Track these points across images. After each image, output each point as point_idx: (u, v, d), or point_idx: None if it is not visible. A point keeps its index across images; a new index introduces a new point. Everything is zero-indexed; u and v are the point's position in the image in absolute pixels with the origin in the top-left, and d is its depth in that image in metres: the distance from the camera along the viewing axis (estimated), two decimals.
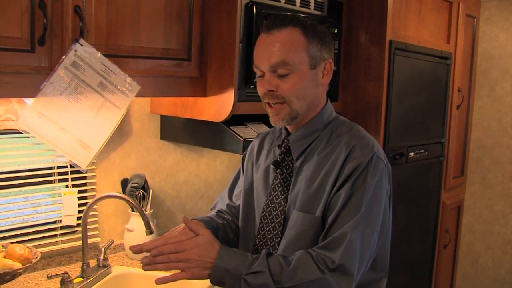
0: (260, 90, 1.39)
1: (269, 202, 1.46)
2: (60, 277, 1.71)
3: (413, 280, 2.92)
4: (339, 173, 1.34)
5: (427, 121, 2.78)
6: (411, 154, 2.63)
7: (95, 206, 2.09)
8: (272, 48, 1.34)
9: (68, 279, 1.71)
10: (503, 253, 3.42)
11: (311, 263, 1.27)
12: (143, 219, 1.75)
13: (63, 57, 1.52)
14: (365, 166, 1.33)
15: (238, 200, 1.64)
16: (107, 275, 1.90)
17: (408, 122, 2.59)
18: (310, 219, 1.36)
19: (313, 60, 1.36)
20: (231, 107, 1.87)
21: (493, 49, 3.34)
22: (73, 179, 2.02)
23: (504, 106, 3.34)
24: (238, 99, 1.90)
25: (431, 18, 2.72)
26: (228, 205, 1.67)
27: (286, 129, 1.49)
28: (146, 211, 2.11)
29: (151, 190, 2.17)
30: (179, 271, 1.29)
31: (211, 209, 1.72)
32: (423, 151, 2.74)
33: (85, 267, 1.82)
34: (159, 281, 1.29)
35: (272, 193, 1.46)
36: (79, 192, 2.03)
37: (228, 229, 1.59)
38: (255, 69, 1.40)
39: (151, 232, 1.76)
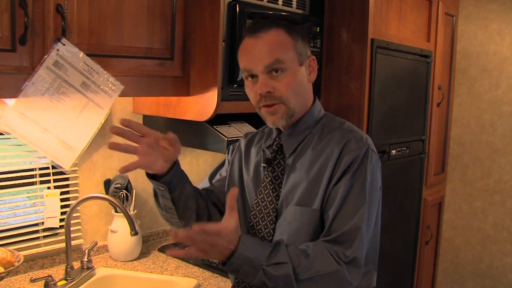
0: (254, 95, 1.39)
1: (259, 200, 1.47)
2: (44, 280, 1.68)
3: (396, 276, 2.95)
4: (335, 166, 1.37)
5: (409, 118, 2.81)
6: (393, 151, 2.65)
7: (78, 208, 2.06)
8: (263, 49, 1.35)
9: (52, 282, 1.69)
10: (482, 248, 3.47)
11: (327, 254, 1.27)
12: (128, 220, 1.74)
13: (45, 56, 1.50)
14: (362, 158, 1.36)
15: (219, 186, 1.63)
16: (91, 277, 1.87)
17: (390, 119, 2.61)
18: (308, 212, 1.37)
19: (300, 57, 1.40)
20: (214, 106, 1.87)
21: (471, 47, 3.39)
22: (55, 181, 2.00)
23: (482, 103, 3.39)
24: (222, 98, 1.89)
25: (411, 16, 2.75)
26: (204, 188, 1.64)
27: (277, 129, 1.50)
28: (129, 211, 2.09)
29: (134, 191, 2.15)
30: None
31: None
32: (404, 148, 2.76)
33: (68, 269, 1.80)
34: (170, 253, 1.19)
35: (263, 191, 1.47)
36: (62, 193, 2.01)
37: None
38: (244, 74, 1.40)
39: (136, 233, 1.75)
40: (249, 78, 1.40)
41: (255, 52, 1.36)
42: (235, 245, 1.22)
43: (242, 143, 1.63)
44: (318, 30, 2.32)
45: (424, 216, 3.13)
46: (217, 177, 1.67)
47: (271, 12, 2.06)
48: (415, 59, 2.77)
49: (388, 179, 2.66)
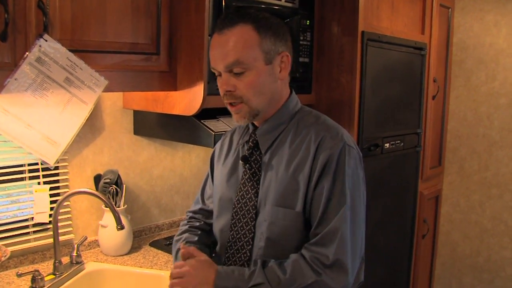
0: (220, 90, 1.40)
1: (240, 197, 1.47)
2: (31, 275, 1.69)
3: (392, 270, 2.94)
4: (312, 165, 1.35)
5: (403, 111, 2.79)
6: (387, 145, 2.64)
7: (68, 203, 2.08)
8: (225, 48, 1.34)
9: (39, 277, 1.70)
10: (480, 241, 3.45)
11: (305, 267, 1.31)
12: (114, 214, 1.75)
13: (27, 53, 1.51)
14: (339, 156, 1.35)
15: (212, 203, 1.64)
16: (80, 272, 1.88)
17: (383, 113, 2.60)
18: (291, 214, 1.37)
19: (267, 55, 1.36)
20: (201, 100, 1.87)
21: (467, 39, 3.36)
22: (44, 176, 2.01)
23: (479, 96, 3.37)
24: (208, 93, 1.89)
25: (404, 9, 2.73)
26: (201, 209, 1.68)
27: (253, 124, 1.50)
28: (119, 206, 2.10)
29: (124, 186, 2.16)
30: None
31: (186, 213, 1.73)
32: (398, 141, 2.75)
33: (57, 264, 1.81)
34: None
35: (242, 188, 1.47)
36: (52, 189, 2.02)
37: (204, 239, 1.61)
38: (212, 70, 1.41)
39: (122, 228, 1.76)
40: (217, 75, 1.41)
41: (218, 52, 1.36)
42: (213, 280, 1.33)
43: (225, 143, 1.62)
44: (308, 24, 2.31)
45: (420, 210, 3.12)
46: (208, 192, 1.68)
47: (243, 10, 2.04)
48: (409, 52, 2.75)
49: (382, 172, 2.65)
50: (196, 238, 1.58)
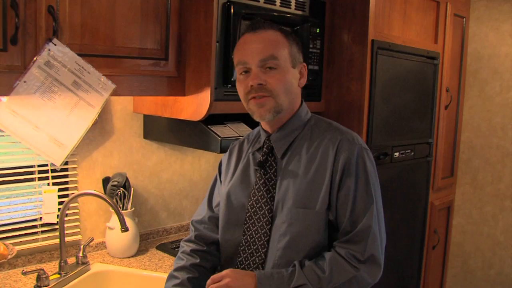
0: (244, 87, 1.44)
1: (254, 202, 1.50)
2: (36, 273, 1.72)
3: (401, 280, 2.92)
4: (333, 168, 1.42)
5: (414, 121, 2.78)
6: (396, 154, 2.63)
7: (76, 204, 2.11)
8: (260, 44, 1.42)
9: (44, 275, 1.72)
10: (492, 254, 3.40)
11: (343, 264, 1.37)
12: (118, 216, 1.77)
13: (36, 57, 1.54)
14: (358, 157, 1.43)
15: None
16: (85, 272, 1.91)
17: (393, 121, 2.59)
18: (312, 214, 1.42)
19: (294, 59, 1.46)
20: (208, 106, 1.89)
21: (482, 49, 3.33)
22: (54, 177, 2.04)
23: (493, 106, 3.33)
24: (216, 98, 1.91)
25: (417, 18, 2.72)
26: (210, 217, 1.65)
27: (265, 131, 1.54)
28: (127, 209, 2.13)
29: (132, 189, 2.18)
30: None
31: (191, 223, 1.69)
32: (409, 151, 2.73)
33: (62, 264, 1.84)
34: None
35: (256, 193, 1.50)
36: (61, 190, 2.05)
37: (202, 274, 1.57)
38: (239, 67, 1.45)
39: (126, 230, 1.78)
40: (243, 73, 1.44)
41: (253, 46, 1.42)
42: (254, 286, 1.35)
43: (234, 152, 1.65)
44: (318, 31, 2.32)
45: (431, 220, 3.09)
46: (216, 200, 1.67)
47: (274, 14, 2.07)
48: (421, 61, 2.74)
49: (391, 181, 2.64)
50: (197, 275, 1.54)
